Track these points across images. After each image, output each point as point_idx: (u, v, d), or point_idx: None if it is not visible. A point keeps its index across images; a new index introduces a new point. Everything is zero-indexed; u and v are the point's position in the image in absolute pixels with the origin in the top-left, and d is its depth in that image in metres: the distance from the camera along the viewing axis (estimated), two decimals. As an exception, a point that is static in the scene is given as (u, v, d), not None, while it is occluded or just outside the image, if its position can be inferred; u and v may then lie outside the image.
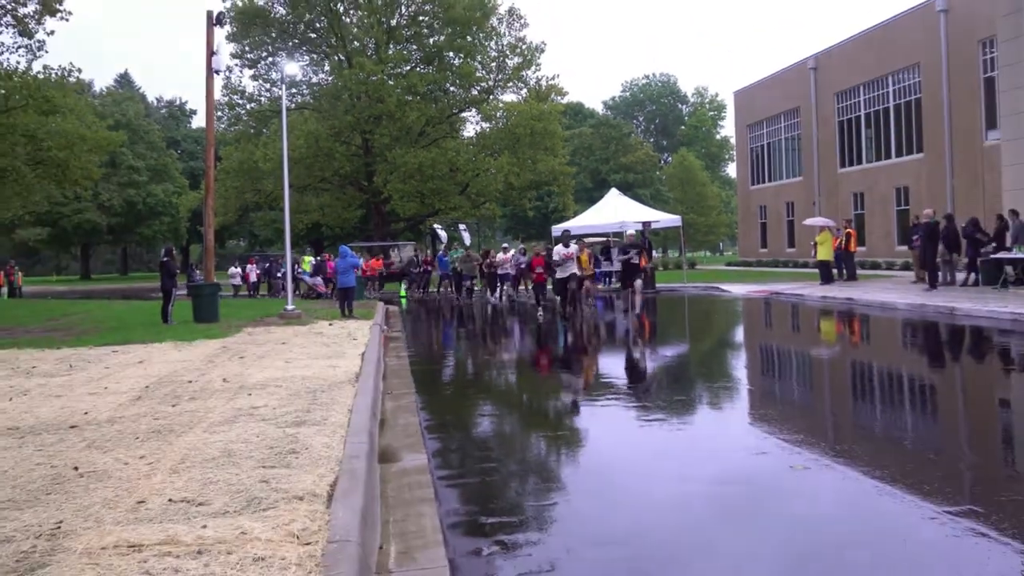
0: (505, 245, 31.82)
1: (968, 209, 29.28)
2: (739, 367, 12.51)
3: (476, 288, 31.03)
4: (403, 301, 31.44)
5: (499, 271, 28.56)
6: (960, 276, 23.73)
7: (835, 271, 27.73)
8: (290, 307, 20.58)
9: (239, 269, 40.87)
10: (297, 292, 36.13)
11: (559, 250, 19.98)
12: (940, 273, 23.00)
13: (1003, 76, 24.98)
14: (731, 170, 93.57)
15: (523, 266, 27.46)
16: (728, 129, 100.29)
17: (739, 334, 17.86)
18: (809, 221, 34.02)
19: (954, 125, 33.42)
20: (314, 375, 10.08)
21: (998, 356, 12.74)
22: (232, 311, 22.58)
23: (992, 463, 6.63)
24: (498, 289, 28.70)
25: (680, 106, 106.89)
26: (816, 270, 28.77)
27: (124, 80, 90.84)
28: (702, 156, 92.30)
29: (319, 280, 34.07)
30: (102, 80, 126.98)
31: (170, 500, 4.91)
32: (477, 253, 33.10)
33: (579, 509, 5.58)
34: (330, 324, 18.28)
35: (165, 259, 20.49)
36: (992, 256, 22.38)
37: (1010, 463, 6.69)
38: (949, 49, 33.27)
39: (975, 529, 4.81)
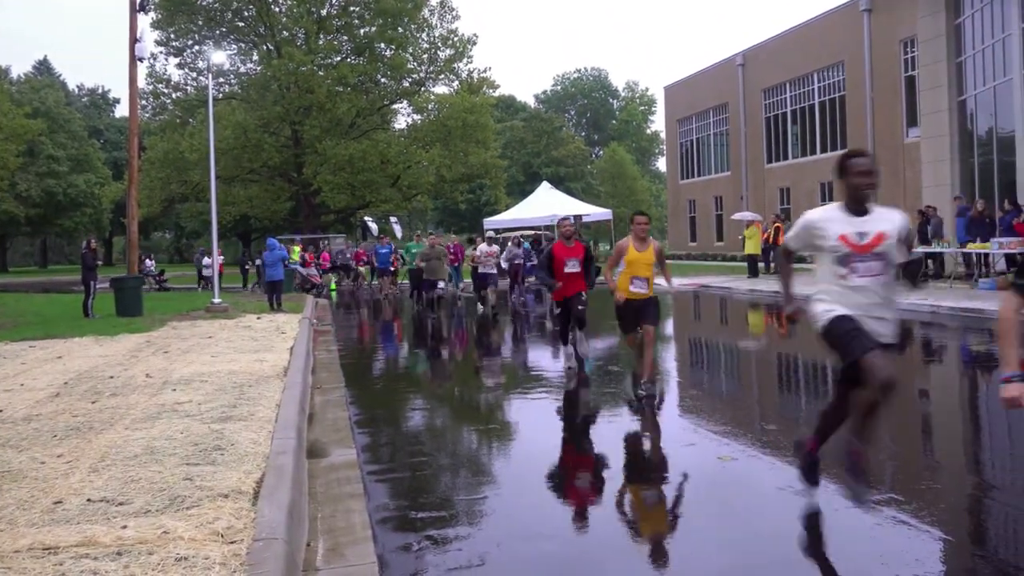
0: (490, 235, 24.21)
1: (889, 204, 30.00)
2: (668, 359, 12.63)
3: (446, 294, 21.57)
4: (333, 295, 31.10)
5: (480, 269, 20.81)
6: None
7: (762, 265, 28.19)
8: (217, 300, 20.18)
9: (209, 259, 36.12)
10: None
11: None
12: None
13: (923, 75, 25.64)
14: (661, 164, 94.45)
15: (518, 262, 23.73)
16: (658, 124, 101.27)
17: (668, 326, 18.05)
18: (737, 215, 34.60)
19: (876, 122, 34.23)
20: (241, 369, 9.90)
21: (918, 348, 13.11)
22: (158, 304, 22.08)
23: (912, 453, 6.81)
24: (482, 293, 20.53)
25: (611, 100, 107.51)
26: (744, 263, 29.23)
27: (43, 67, 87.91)
28: (632, 150, 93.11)
29: (314, 271, 32.38)
30: (20, 67, 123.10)
31: (89, 500, 4.76)
32: (444, 242, 23.38)
33: (509, 503, 5.58)
34: (258, 318, 17.99)
35: (84, 251, 19.99)
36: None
37: (929, 453, 6.87)
38: (872, 48, 34.05)
39: (896, 517, 4.93)
